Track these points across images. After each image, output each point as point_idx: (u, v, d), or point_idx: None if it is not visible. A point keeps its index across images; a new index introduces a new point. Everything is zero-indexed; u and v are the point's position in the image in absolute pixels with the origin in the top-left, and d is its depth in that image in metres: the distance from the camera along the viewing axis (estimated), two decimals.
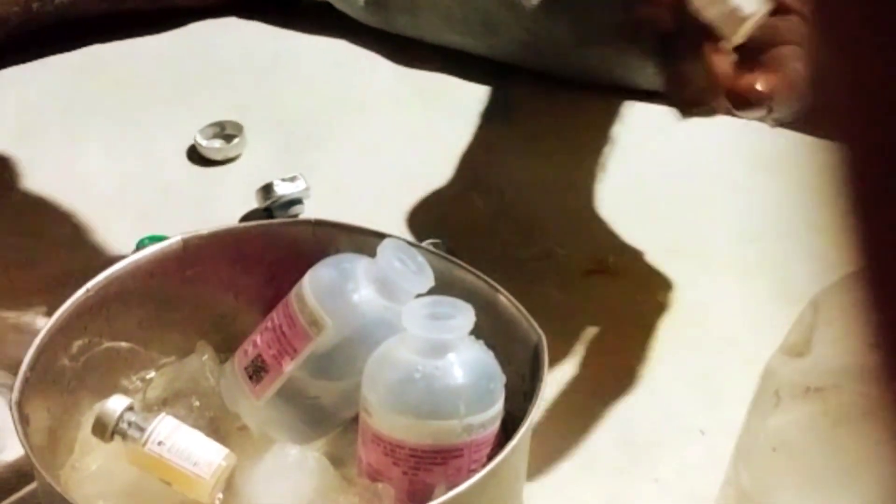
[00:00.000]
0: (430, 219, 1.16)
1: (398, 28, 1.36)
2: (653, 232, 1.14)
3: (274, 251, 0.94)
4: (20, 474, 0.89)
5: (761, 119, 0.90)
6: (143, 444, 0.83)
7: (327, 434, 0.88)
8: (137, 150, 1.25)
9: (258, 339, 0.87)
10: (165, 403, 0.89)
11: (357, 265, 0.86)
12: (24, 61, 1.36)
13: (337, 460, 0.86)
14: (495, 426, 0.82)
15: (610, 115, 1.28)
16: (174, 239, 0.93)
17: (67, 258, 1.12)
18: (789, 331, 0.77)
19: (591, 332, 1.05)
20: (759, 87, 0.87)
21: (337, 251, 0.91)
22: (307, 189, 1.16)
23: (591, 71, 1.30)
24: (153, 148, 1.26)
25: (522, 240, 1.14)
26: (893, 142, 0.32)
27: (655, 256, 1.12)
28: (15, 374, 0.83)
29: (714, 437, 0.96)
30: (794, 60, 0.88)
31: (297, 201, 1.16)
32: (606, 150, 1.24)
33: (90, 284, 0.89)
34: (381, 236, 0.90)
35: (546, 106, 1.30)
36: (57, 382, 0.87)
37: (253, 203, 1.17)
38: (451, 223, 1.15)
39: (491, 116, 1.29)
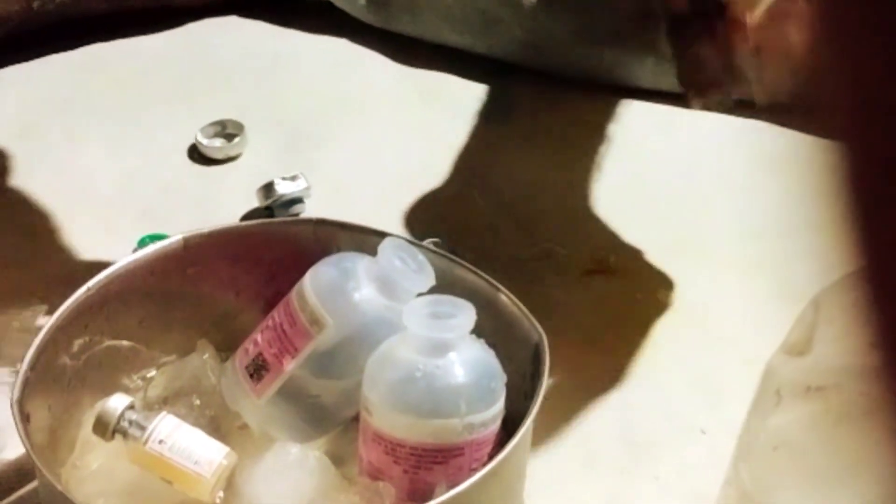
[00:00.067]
0: (430, 217, 1.16)
1: (399, 27, 1.37)
2: (653, 231, 1.14)
3: (275, 250, 0.94)
4: (21, 473, 0.89)
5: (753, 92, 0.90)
6: (143, 442, 0.83)
7: (328, 433, 0.88)
8: (138, 149, 1.25)
9: (259, 338, 0.87)
10: (166, 402, 0.89)
11: (358, 264, 0.86)
12: (25, 60, 1.36)
13: (338, 459, 0.86)
14: (496, 425, 0.82)
15: (610, 115, 1.28)
16: (175, 238, 0.93)
17: (68, 256, 1.12)
18: (790, 330, 0.77)
19: (591, 331, 1.05)
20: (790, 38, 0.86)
21: (338, 250, 0.91)
22: (308, 188, 1.16)
23: (591, 70, 1.30)
24: (154, 146, 1.26)
25: (523, 239, 1.14)
26: (893, 141, 0.32)
27: (656, 256, 1.12)
28: (16, 372, 0.83)
29: (715, 437, 0.96)
30: (796, 37, 0.87)
31: (297, 200, 1.16)
32: (607, 149, 1.24)
33: (91, 283, 0.89)
34: (381, 235, 0.90)
35: (546, 105, 1.30)
36: (58, 381, 0.87)
37: (254, 202, 1.17)
38: (451, 222, 1.15)
39: (491, 116, 1.29)
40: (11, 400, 0.80)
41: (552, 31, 1.30)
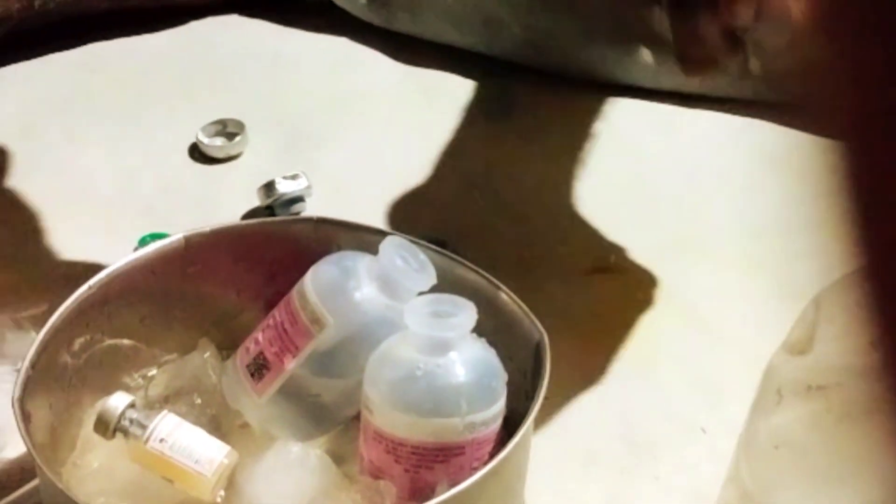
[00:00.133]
0: (431, 216, 1.16)
1: (399, 26, 1.37)
2: (654, 231, 1.14)
3: (275, 249, 0.94)
4: (22, 471, 0.89)
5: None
6: (144, 441, 0.83)
7: (329, 432, 0.88)
8: (139, 148, 1.25)
9: (260, 337, 0.88)
10: (167, 401, 0.89)
11: (359, 263, 0.86)
12: (25, 59, 1.36)
13: (338, 458, 0.86)
14: (497, 424, 0.82)
15: (610, 114, 1.28)
16: (176, 236, 0.93)
17: (68, 256, 1.12)
18: (791, 328, 0.77)
19: (592, 330, 1.05)
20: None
21: (339, 249, 0.91)
22: (309, 187, 1.16)
23: (591, 68, 1.30)
24: (155, 145, 1.26)
25: (524, 238, 1.14)
26: (893, 141, 0.32)
27: (656, 255, 1.11)
28: (16, 371, 0.83)
29: (716, 436, 0.96)
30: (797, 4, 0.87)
31: (298, 199, 1.16)
32: (607, 148, 1.24)
33: (92, 281, 0.89)
34: (382, 234, 0.90)
35: (547, 104, 1.30)
36: (59, 379, 0.87)
37: (255, 201, 1.17)
38: (452, 221, 1.15)
39: (491, 114, 1.29)
40: (12, 398, 0.80)
41: (552, 31, 1.30)
